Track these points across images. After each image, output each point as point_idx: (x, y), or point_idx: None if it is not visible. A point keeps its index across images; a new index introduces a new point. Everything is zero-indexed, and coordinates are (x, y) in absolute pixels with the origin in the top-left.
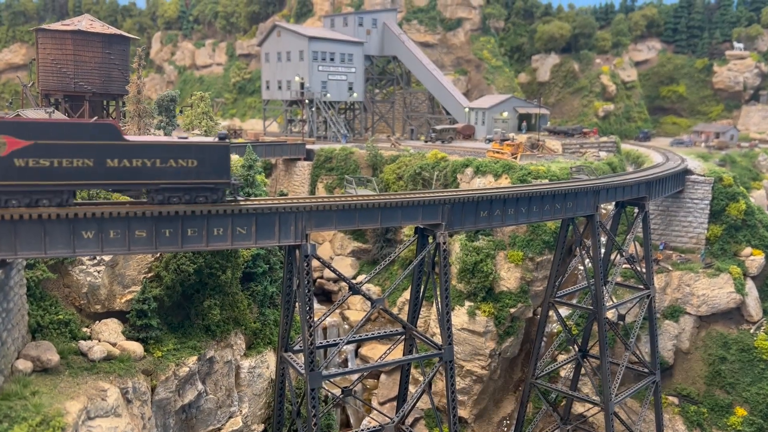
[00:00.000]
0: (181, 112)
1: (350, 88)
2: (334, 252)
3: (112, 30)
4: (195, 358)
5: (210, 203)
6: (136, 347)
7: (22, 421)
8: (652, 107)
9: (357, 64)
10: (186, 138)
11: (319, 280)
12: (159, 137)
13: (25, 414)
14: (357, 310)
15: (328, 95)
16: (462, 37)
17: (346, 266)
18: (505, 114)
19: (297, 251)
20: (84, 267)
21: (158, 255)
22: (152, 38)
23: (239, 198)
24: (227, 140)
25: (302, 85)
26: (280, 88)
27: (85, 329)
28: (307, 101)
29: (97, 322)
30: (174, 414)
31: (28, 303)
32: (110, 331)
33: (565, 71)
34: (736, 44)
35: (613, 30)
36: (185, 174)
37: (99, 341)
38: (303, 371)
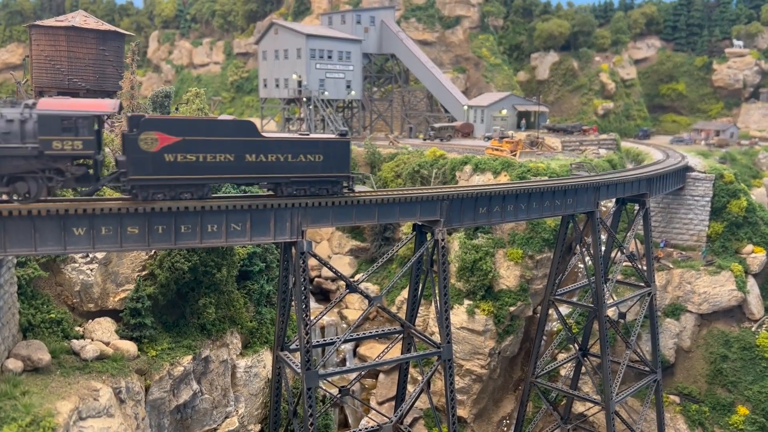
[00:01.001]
0: (177, 109)
1: (348, 86)
2: (332, 251)
3: (107, 26)
4: (190, 357)
5: (330, 195)
6: (129, 346)
7: (11, 422)
8: (652, 105)
9: (355, 62)
10: (308, 134)
11: (317, 279)
12: (290, 134)
13: (14, 414)
14: (355, 309)
15: (326, 93)
16: (461, 35)
17: (344, 265)
18: (504, 112)
19: (293, 248)
20: (76, 265)
21: (152, 253)
22: (149, 37)
23: (355, 190)
24: (347, 136)
25: (300, 83)
26: (277, 86)
27: (77, 328)
28: (304, 99)
29: (90, 320)
30: (169, 414)
31: (19, 301)
32: (103, 330)
33: (564, 69)
34: (735, 42)
35: (613, 28)
36: (312, 168)
37: (92, 340)
38: (299, 370)
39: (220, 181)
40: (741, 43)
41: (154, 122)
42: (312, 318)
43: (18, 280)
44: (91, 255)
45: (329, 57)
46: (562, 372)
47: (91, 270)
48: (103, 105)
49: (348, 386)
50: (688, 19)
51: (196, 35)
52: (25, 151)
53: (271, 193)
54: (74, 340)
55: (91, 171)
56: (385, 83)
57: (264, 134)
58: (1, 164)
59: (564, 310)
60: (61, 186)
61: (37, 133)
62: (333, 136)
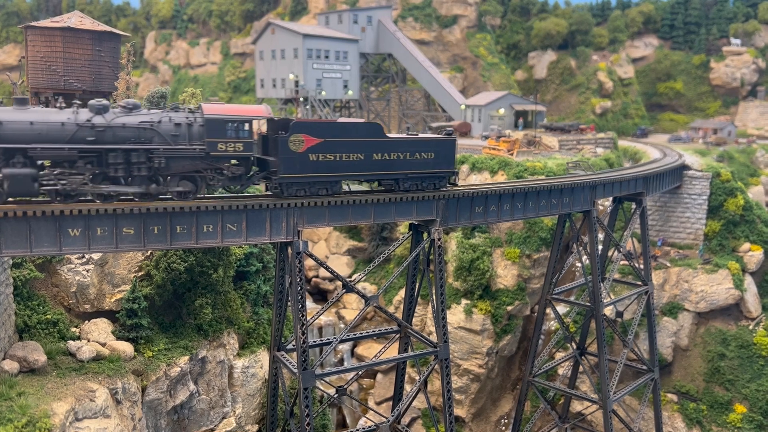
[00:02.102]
0: None
1: (345, 86)
2: (330, 251)
3: (103, 27)
4: (187, 358)
5: (434, 190)
6: (126, 347)
7: (7, 423)
8: (650, 104)
9: (352, 62)
10: (416, 134)
11: (314, 279)
12: (407, 135)
13: (10, 415)
14: (353, 308)
15: (323, 93)
16: (458, 34)
17: (341, 265)
18: (502, 111)
19: (289, 248)
20: (72, 266)
21: (148, 253)
22: (146, 38)
23: (457, 184)
24: (454, 135)
25: (297, 83)
26: (274, 86)
27: (74, 329)
28: (301, 99)
29: (87, 321)
30: (165, 415)
31: (15, 302)
32: (100, 330)
33: (562, 68)
34: (733, 40)
35: (610, 26)
36: (425, 165)
37: (88, 341)
38: (296, 371)
39: (351, 178)
40: (739, 41)
41: (301, 125)
42: (308, 318)
43: (14, 281)
44: (87, 256)
45: (326, 57)
46: (560, 371)
47: (87, 271)
48: (260, 110)
49: (345, 386)
50: (686, 17)
51: (193, 35)
52: (193, 152)
53: (269, 193)
54: (70, 341)
55: (246, 171)
56: (383, 83)
57: (388, 135)
58: (170, 164)
59: (561, 309)
60: (220, 185)
61: (204, 136)
62: (441, 136)
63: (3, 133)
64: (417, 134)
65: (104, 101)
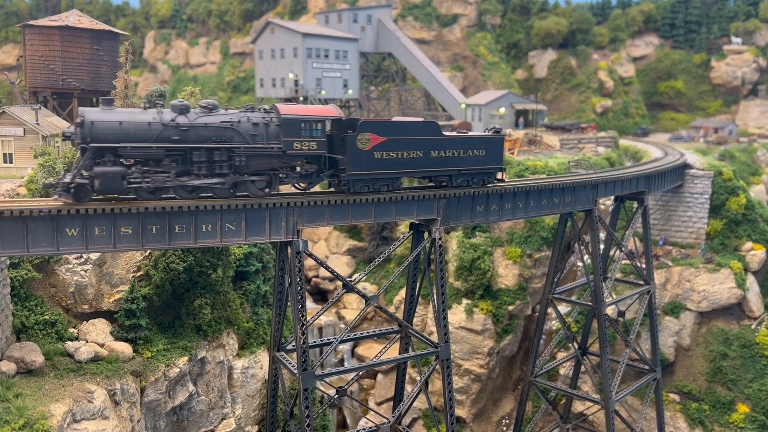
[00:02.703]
0: None
1: (345, 85)
2: (330, 251)
3: (101, 26)
4: (186, 358)
5: (481, 185)
6: (124, 348)
7: (4, 425)
8: (650, 103)
9: (352, 61)
10: (466, 132)
11: (314, 279)
12: (462, 133)
13: (7, 417)
14: (353, 309)
15: (323, 92)
16: (458, 33)
17: (341, 265)
18: (502, 110)
19: (288, 248)
20: (70, 266)
21: (147, 253)
22: (145, 37)
23: (504, 180)
24: (502, 133)
25: (296, 83)
26: (274, 85)
27: (72, 330)
28: (301, 98)
29: (85, 322)
30: (165, 416)
31: (12, 303)
32: (98, 331)
33: (562, 67)
34: (734, 39)
35: (611, 25)
36: (476, 161)
37: (86, 342)
38: (296, 371)
39: (409, 174)
40: (739, 40)
41: (368, 125)
42: (308, 318)
43: (11, 282)
44: (85, 256)
45: (326, 56)
46: (561, 371)
47: (86, 271)
48: (331, 110)
49: (345, 387)
50: (686, 16)
51: (192, 35)
52: (271, 151)
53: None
54: (68, 342)
55: (318, 169)
56: (383, 82)
57: (444, 133)
58: (249, 162)
59: (563, 308)
60: (294, 182)
61: (280, 135)
62: (490, 133)
63: (94, 133)
64: (466, 132)
65: (185, 102)
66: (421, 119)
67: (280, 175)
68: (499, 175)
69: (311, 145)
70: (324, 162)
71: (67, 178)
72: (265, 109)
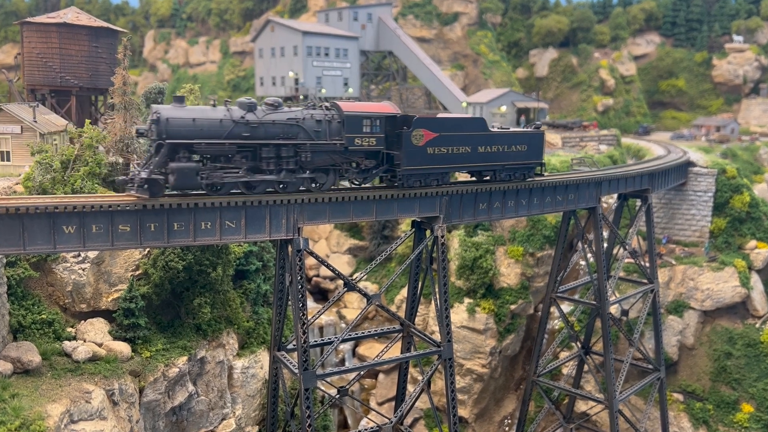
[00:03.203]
0: None
1: (345, 84)
2: (331, 249)
3: (99, 23)
4: (185, 358)
5: (521, 180)
6: (123, 347)
7: (0, 425)
8: (652, 101)
9: (352, 59)
10: (508, 129)
11: (315, 278)
12: (506, 129)
13: (3, 417)
14: (354, 308)
15: (323, 91)
16: (459, 31)
17: (342, 264)
18: (503, 108)
19: (289, 246)
20: (68, 264)
21: (146, 251)
22: (145, 36)
23: (543, 175)
24: (542, 129)
25: (297, 81)
26: (274, 84)
27: (69, 329)
28: (301, 97)
29: (83, 321)
30: (164, 416)
31: (8, 302)
32: (96, 330)
33: (564, 66)
34: (735, 37)
35: (612, 24)
36: (519, 156)
37: (84, 341)
38: (296, 371)
39: (458, 169)
40: (741, 38)
41: (421, 121)
42: (309, 317)
43: (8, 281)
44: (83, 254)
45: (326, 54)
46: (564, 370)
47: (83, 270)
48: (388, 107)
49: (347, 386)
50: (688, 14)
51: (192, 34)
52: (334, 147)
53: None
54: (66, 342)
55: (376, 164)
56: (383, 80)
57: (491, 129)
58: (314, 158)
59: (566, 307)
60: (353, 177)
61: (342, 132)
62: (531, 129)
63: (170, 130)
64: (508, 129)
65: (252, 99)
66: (469, 115)
67: (342, 171)
68: (538, 170)
69: (371, 141)
70: (381, 158)
71: (144, 174)
72: (326, 106)
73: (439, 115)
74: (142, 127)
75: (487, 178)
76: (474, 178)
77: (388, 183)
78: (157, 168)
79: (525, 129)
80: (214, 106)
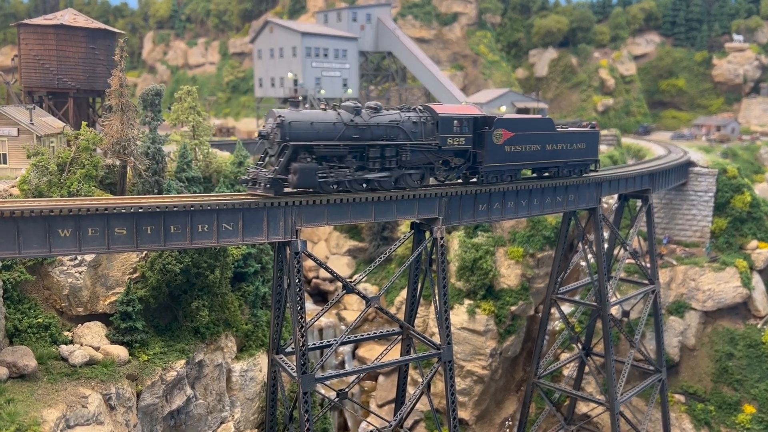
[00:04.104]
0: (169, 108)
1: (345, 85)
2: (330, 251)
3: (97, 24)
4: (183, 361)
5: (577, 176)
6: (120, 351)
7: None
8: (652, 101)
9: (351, 60)
10: (567, 128)
11: (314, 280)
12: (567, 128)
13: None
14: (354, 310)
15: (322, 91)
16: (458, 32)
17: (342, 265)
18: (503, 108)
19: (287, 248)
20: (64, 268)
21: (143, 254)
22: (144, 38)
23: (597, 171)
24: (597, 128)
25: (296, 82)
26: (273, 85)
27: (66, 333)
28: (300, 98)
29: (80, 325)
30: (162, 420)
31: (4, 306)
32: (93, 334)
33: (563, 66)
34: (735, 36)
35: (611, 23)
36: (578, 153)
37: (81, 345)
38: (295, 374)
39: (529, 166)
40: (741, 37)
41: (501, 121)
42: (308, 320)
43: (3, 284)
44: (79, 257)
45: (325, 55)
46: (565, 372)
47: (80, 273)
48: (473, 109)
49: (346, 389)
50: (688, 14)
51: (191, 35)
52: (429, 147)
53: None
54: (62, 346)
55: (464, 162)
56: (382, 81)
57: (557, 128)
58: (412, 157)
59: (566, 308)
60: (444, 175)
61: (437, 132)
62: (588, 129)
63: (292, 132)
64: (567, 128)
65: (357, 103)
66: (539, 116)
67: (435, 169)
68: (592, 167)
69: (460, 141)
70: (468, 156)
71: (271, 174)
72: (419, 108)
73: (515, 116)
74: (264, 130)
75: (547, 174)
76: (535, 175)
77: (463, 179)
78: (281, 168)
79: (583, 128)
80: (324, 109)
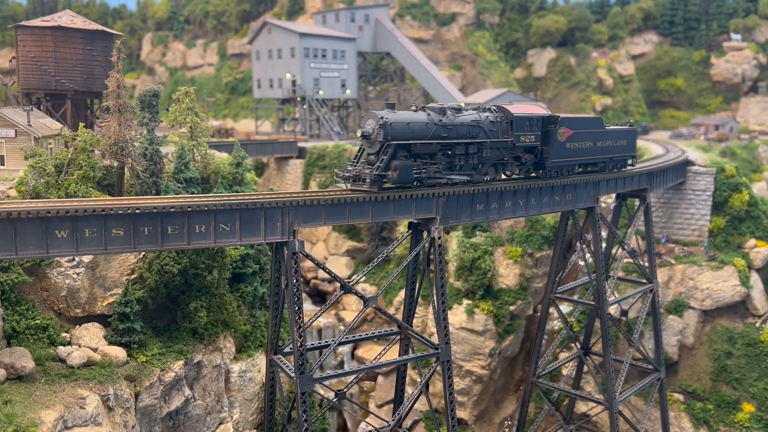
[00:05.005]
0: (167, 110)
1: (343, 85)
2: (329, 252)
3: (94, 26)
4: (181, 362)
5: (617, 171)
6: (118, 352)
7: None
8: (650, 101)
9: (349, 61)
10: (608, 126)
11: (313, 280)
12: (612, 127)
13: None
14: (353, 310)
15: (321, 92)
16: (456, 32)
17: (340, 266)
18: None
19: (284, 249)
20: (62, 269)
21: (141, 255)
22: (143, 40)
23: (635, 165)
24: (634, 126)
25: (294, 83)
26: (271, 86)
27: (64, 334)
28: (299, 99)
29: (78, 326)
30: (160, 421)
31: (2, 307)
32: (91, 335)
33: (562, 65)
34: (733, 36)
35: (609, 23)
36: (620, 150)
37: (79, 346)
38: (293, 375)
39: (582, 162)
40: (739, 36)
41: (564, 120)
42: (306, 320)
43: (1, 286)
44: (77, 259)
45: (323, 56)
46: (564, 371)
47: (78, 274)
48: (542, 109)
49: (345, 389)
50: (686, 13)
51: (189, 37)
52: (505, 144)
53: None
54: (60, 347)
55: (533, 158)
56: (381, 82)
57: (606, 127)
58: (491, 154)
59: (565, 308)
60: (515, 170)
61: (512, 131)
62: (627, 127)
63: (393, 132)
64: (609, 126)
65: (443, 104)
66: (591, 115)
67: (508, 165)
68: (629, 162)
69: (531, 138)
70: (537, 152)
71: (376, 171)
72: (494, 108)
73: (575, 115)
74: (367, 130)
75: (589, 169)
76: (580, 170)
77: (524, 174)
78: (384, 165)
79: (624, 127)
80: (415, 110)
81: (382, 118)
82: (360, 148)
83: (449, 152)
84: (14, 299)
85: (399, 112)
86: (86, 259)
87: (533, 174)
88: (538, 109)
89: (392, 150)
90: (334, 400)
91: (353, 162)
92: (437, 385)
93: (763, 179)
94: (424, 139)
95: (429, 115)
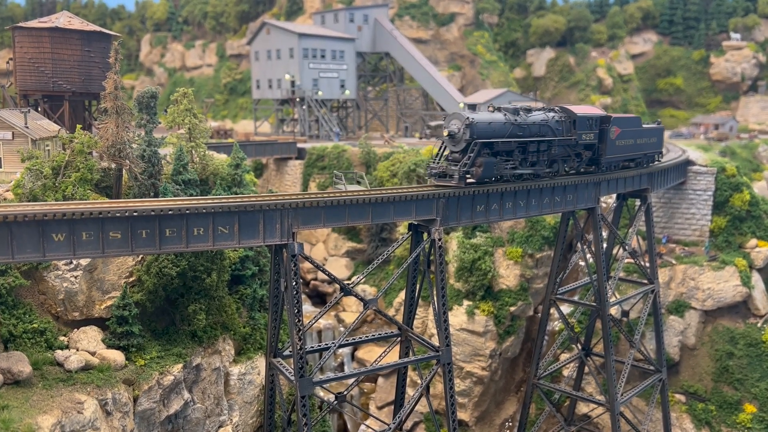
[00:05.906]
0: (165, 111)
1: (342, 86)
2: (328, 253)
3: (92, 27)
4: (180, 365)
5: (644, 167)
6: (116, 356)
7: None
8: (650, 100)
9: (348, 61)
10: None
11: (313, 282)
12: (646, 126)
13: None
14: (353, 312)
15: (320, 93)
16: (455, 32)
17: (340, 267)
18: None
19: (284, 251)
20: (60, 272)
21: (139, 258)
22: (141, 41)
23: (661, 161)
24: (661, 125)
25: (293, 84)
26: (270, 87)
27: (62, 338)
28: (298, 100)
29: (75, 330)
30: (159, 425)
31: None
32: (89, 339)
33: (561, 65)
34: (733, 35)
35: (609, 23)
36: (651, 146)
37: (77, 350)
38: (292, 378)
39: (624, 158)
40: (738, 35)
41: (615, 120)
42: (305, 323)
43: None
44: (74, 262)
45: (322, 56)
46: (565, 372)
47: (76, 277)
48: (598, 110)
49: (345, 392)
50: (685, 12)
51: (188, 38)
52: (569, 142)
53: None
54: (58, 351)
55: (592, 155)
56: (380, 82)
57: (642, 125)
58: (558, 151)
59: (566, 309)
60: (575, 166)
61: (574, 129)
62: (655, 125)
63: (477, 131)
64: (645, 125)
65: (516, 105)
66: (632, 114)
67: (570, 161)
68: (656, 157)
69: (590, 137)
70: (594, 149)
71: (463, 168)
72: (557, 109)
73: (622, 115)
74: (453, 129)
75: (625, 165)
76: (623, 165)
77: (576, 169)
78: (471, 162)
79: (655, 125)
80: (491, 111)
81: (468, 118)
82: (441, 146)
83: (523, 149)
84: (11, 303)
85: (480, 113)
86: (84, 262)
87: (583, 170)
88: (594, 110)
89: (478, 148)
90: (335, 402)
91: (435, 159)
92: (438, 387)
93: (764, 178)
94: (503, 137)
95: (505, 115)
